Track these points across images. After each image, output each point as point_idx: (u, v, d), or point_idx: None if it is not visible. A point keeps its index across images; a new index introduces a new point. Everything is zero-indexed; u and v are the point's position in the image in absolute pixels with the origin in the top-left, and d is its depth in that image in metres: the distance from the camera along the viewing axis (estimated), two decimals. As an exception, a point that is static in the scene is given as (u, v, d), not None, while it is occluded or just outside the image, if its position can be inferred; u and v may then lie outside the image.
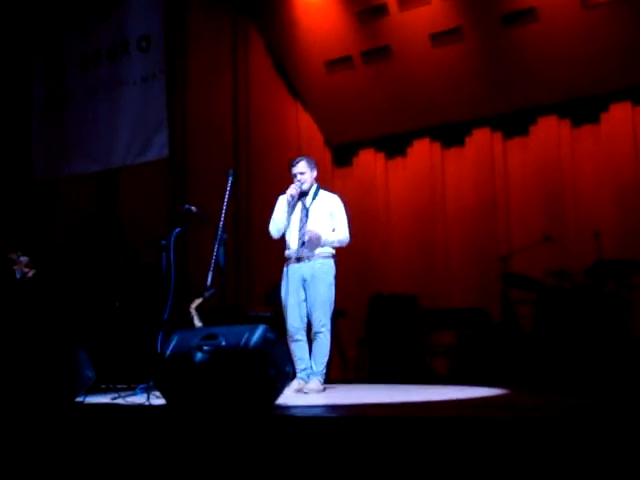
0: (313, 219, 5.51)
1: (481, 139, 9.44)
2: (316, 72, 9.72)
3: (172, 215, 8.13)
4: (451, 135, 9.71)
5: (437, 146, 9.81)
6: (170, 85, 8.18)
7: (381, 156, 10.24)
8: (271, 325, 3.84)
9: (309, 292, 5.41)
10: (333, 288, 5.48)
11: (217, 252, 4.98)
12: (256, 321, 6.55)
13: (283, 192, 5.70)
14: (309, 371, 5.42)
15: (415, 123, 9.69)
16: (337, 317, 7.83)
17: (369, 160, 10.32)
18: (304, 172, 5.57)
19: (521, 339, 7.18)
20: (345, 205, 5.70)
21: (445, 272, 9.44)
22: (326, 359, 5.40)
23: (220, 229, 5.04)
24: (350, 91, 9.65)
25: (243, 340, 3.65)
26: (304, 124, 10.25)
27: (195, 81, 8.79)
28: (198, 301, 5.34)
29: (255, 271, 9.05)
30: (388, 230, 10.00)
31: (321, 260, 5.44)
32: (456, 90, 9.12)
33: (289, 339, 5.43)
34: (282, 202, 5.61)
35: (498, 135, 9.37)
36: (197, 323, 5.35)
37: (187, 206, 5.30)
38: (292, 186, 5.53)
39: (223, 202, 5.16)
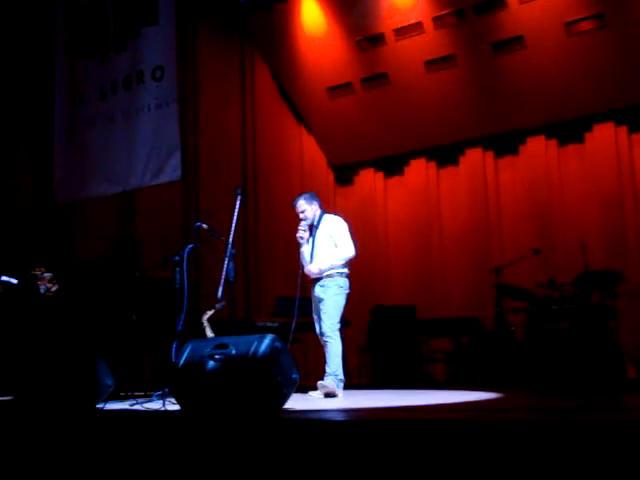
0: (318, 246, 5.65)
1: (474, 158, 9.48)
2: (319, 97, 9.79)
3: (185, 233, 8.17)
4: (446, 155, 9.75)
5: (433, 165, 9.85)
6: (182, 111, 8.24)
7: (380, 175, 10.29)
8: (278, 335, 3.85)
9: (321, 304, 5.58)
10: (338, 301, 5.56)
11: (227, 267, 5.01)
12: (264, 331, 6.53)
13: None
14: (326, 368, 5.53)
15: (412, 144, 9.74)
16: (342, 327, 7.83)
17: (369, 179, 10.36)
18: (304, 209, 5.70)
19: (513, 346, 7.19)
20: (347, 222, 5.74)
21: (441, 284, 9.46)
22: (338, 360, 5.45)
23: (230, 245, 5.07)
24: (351, 115, 9.72)
25: (252, 349, 3.66)
26: (308, 146, 10.30)
27: (206, 107, 8.86)
28: (210, 313, 5.35)
29: (263, 284, 9.08)
30: (387, 244, 10.02)
31: (328, 280, 5.59)
32: (450, 113, 9.18)
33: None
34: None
35: (490, 154, 9.41)
36: (209, 333, 5.36)
37: (199, 224, 5.32)
38: (299, 229, 5.66)
39: (232, 219, 5.18)
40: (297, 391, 4.05)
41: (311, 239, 5.71)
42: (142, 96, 8.13)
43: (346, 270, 5.65)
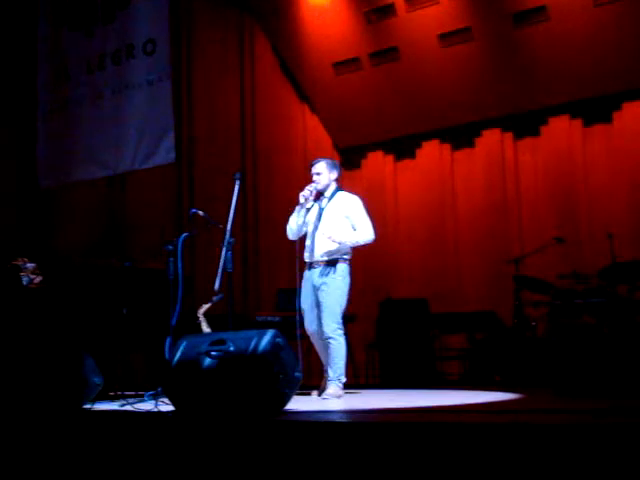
0: (326, 221, 5.47)
1: (491, 140, 9.43)
2: (324, 74, 9.75)
3: (179, 220, 8.17)
4: (461, 136, 9.71)
5: (447, 148, 9.81)
6: (176, 88, 8.20)
7: (390, 158, 10.25)
8: (280, 330, 3.84)
9: (319, 298, 5.41)
10: (343, 292, 5.42)
11: (224, 257, 5.00)
12: (265, 326, 6.56)
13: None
14: (329, 373, 5.41)
15: (424, 125, 9.70)
16: (347, 322, 7.85)
17: (378, 162, 10.33)
18: (321, 172, 5.56)
19: (533, 342, 7.18)
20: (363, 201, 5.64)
21: (456, 275, 9.44)
22: (342, 364, 5.36)
23: (227, 233, 5.05)
24: (358, 93, 9.67)
25: (252, 345, 3.65)
26: (311, 126, 10.27)
27: (201, 84, 8.83)
28: (206, 306, 5.35)
29: (263, 275, 9.09)
30: (397, 233, 10.00)
31: (330, 266, 5.41)
32: (466, 91, 9.12)
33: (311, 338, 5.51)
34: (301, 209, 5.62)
35: (508, 136, 9.36)
36: (205, 329, 5.36)
37: (194, 210, 5.32)
38: (306, 188, 5.52)
39: (230, 206, 5.16)
40: (300, 391, 4.04)
41: (317, 210, 5.55)
42: (132, 72, 8.09)
43: (349, 255, 5.53)
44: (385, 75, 9.42)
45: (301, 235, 5.58)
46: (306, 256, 5.52)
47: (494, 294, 8.72)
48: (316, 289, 5.42)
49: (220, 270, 5.01)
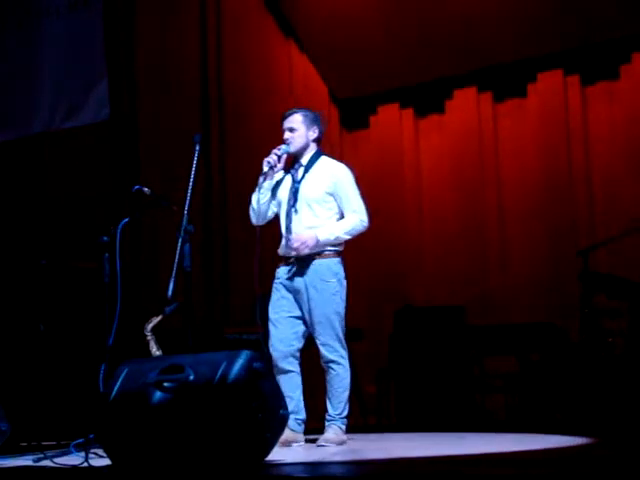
0: (304, 200, 5.44)
1: (551, 85, 9.41)
2: (316, -3, 9.74)
3: (117, 200, 8.14)
4: (507, 82, 9.70)
5: (487, 98, 9.80)
6: (110, 18, 8.16)
7: (409, 113, 10.24)
8: (258, 351, 3.84)
9: (306, 307, 5.39)
10: (341, 299, 5.43)
11: (181, 250, 4.98)
12: (237, 346, 6.54)
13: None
14: (299, 416, 5.41)
15: (457, 66, 9.69)
16: (350, 340, 7.83)
17: (392, 119, 10.32)
18: (296, 128, 5.52)
19: (610, 365, 7.17)
20: (356, 178, 5.61)
21: (501, 274, 9.44)
22: (344, 397, 5.37)
23: (185, 218, 5.03)
24: (364, 24, 9.64)
25: (219, 372, 3.66)
26: (300, 71, 10.26)
27: (146, 13, 8.78)
28: (156, 320, 5.34)
29: (235, 277, 9.05)
30: (419, 217, 10.00)
31: (319, 261, 5.40)
32: (515, 17, 9.09)
33: (274, 368, 5.40)
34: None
35: (574, 80, 9.32)
36: (154, 350, 5.36)
37: (138, 187, 5.29)
38: (272, 151, 5.45)
39: (188, 180, 5.15)
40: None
41: (290, 183, 5.51)
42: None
43: (342, 246, 5.51)
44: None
45: (269, 219, 5.60)
46: (280, 248, 5.52)
47: (554, 300, 8.74)
48: (297, 294, 5.42)
49: (175, 269, 4.99)
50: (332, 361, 5.33)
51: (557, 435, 5.65)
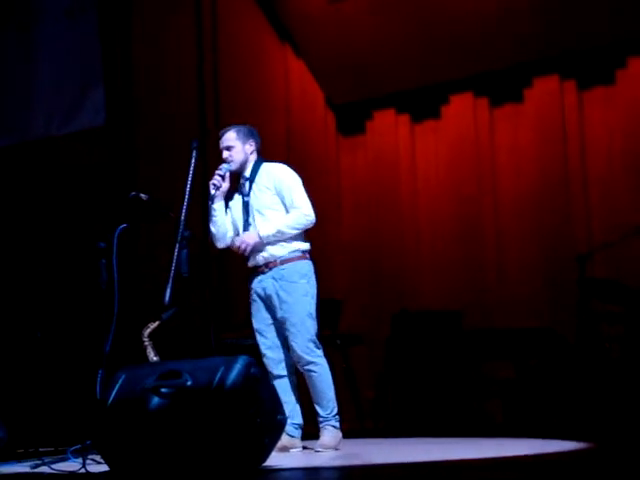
0: (260, 208, 5.48)
1: (547, 90, 9.40)
2: (313, 2, 9.73)
3: (114, 206, 8.13)
4: (503, 87, 9.70)
5: (483, 103, 9.79)
6: (107, 24, 8.16)
7: (405, 119, 10.24)
8: (256, 357, 3.84)
9: (278, 312, 5.42)
10: (312, 299, 5.46)
11: (178, 256, 4.99)
12: (235, 351, 6.54)
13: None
14: (296, 421, 5.43)
15: (453, 71, 9.68)
16: (347, 345, 7.84)
17: (389, 125, 10.31)
18: (232, 146, 5.56)
19: (607, 370, 7.18)
20: (295, 172, 5.61)
21: (498, 278, 9.44)
22: (330, 396, 5.39)
23: (182, 224, 5.04)
24: (360, 29, 9.65)
25: (217, 378, 3.67)
26: (296, 75, 10.25)
27: (142, 18, 8.79)
28: (153, 326, 5.36)
29: (232, 282, 9.04)
30: (417, 221, 9.99)
31: (285, 265, 5.43)
32: (512, 22, 9.10)
33: (269, 375, 5.45)
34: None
35: (570, 85, 9.34)
36: (152, 356, 5.36)
37: (135, 193, 5.30)
38: (215, 173, 5.47)
39: (185, 186, 5.15)
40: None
41: (240, 199, 5.54)
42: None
43: (308, 246, 5.55)
44: (398, 2, 9.40)
45: (232, 238, 5.62)
46: (251, 260, 5.55)
47: (551, 304, 8.74)
48: (269, 300, 5.45)
49: (172, 275, 4.99)
50: (310, 362, 5.35)
51: (555, 440, 5.64)
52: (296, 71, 10.27)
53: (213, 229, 5.55)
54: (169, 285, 5.01)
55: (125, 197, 5.44)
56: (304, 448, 5.42)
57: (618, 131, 9.08)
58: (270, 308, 5.45)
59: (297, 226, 5.43)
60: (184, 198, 5.13)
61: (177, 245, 5.01)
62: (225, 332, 7.63)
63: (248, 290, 5.56)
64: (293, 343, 5.36)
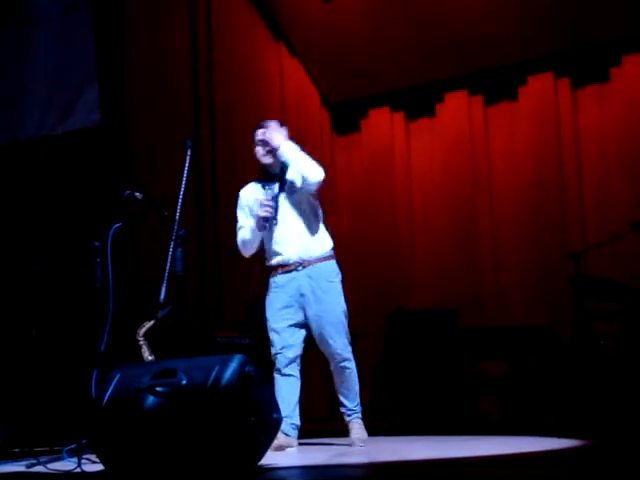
0: (285, 208, 5.51)
1: (541, 88, 9.43)
2: (308, 1, 9.72)
3: (108, 205, 8.12)
4: (498, 85, 9.72)
5: (478, 101, 9.81)
6: (101, 23, 8.15)
7: (400, 117, 10.26)
8: (251, 355, 3.84)
9: (314, 310, 5.44)
10: (343, 300, 5.55)
11: (173, 255, 4.97)
12: (230, 350, 6.53)
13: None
14: (294, 422, 5.47)
15: (448, 69, 9.70)
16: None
17: (384, 123, 10.33)
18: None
19: (602, 368, 7.18)
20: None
21: (493, 277, 9.45)
22: (358, 389, 5.59)
23: (177, 223, 5.03)
24: (355, 28, 9.65)
25: (212, 377, 3.67)
26: (291, 74, 10.25)
27: (136, 17, 8.78)
28: (148, 325, 5.36)
29: (227, 281, 9.04)
30: (411, 220, 10.00)
31: (321, 264, 5.48)
32: (506, 22, 9.10)
33: (276, 372, 5.48)
34: (245, 210, 5.68)
35: (564, 83, 9.35)
36: (147, 355, 5.36)
37: (129, 192, 5.29)
38: (263, 201, 5.46)
39: (180, 185, 5.14)
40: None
41: (272, 201, 5.51)
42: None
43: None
44: (392, 1, 9.40)
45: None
46: (279, 259, 5.55)
47: (546, 302, 8.76)
48: (303, 299, 5.46)
49: (167, 274, 4.98)
50: (346, 359, 5.48)
51: (550, 437, 5.66)
52: (291, 70, 10.27)
53: (250, 236, 5.59)
54: (164, 283, 5.01)
55: (120, 196, 5.43)
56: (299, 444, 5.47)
57: (612, 128, 9.10)
58: (300, 307, 5.48)
59: (312, 165, 5.42)
60: (178, 197, 5.12)
61: (172, 244, 5.01)
62: (220, 331, 7.62)
63: (266, 289, 5.58)
64: (331, 341, 5.44)
